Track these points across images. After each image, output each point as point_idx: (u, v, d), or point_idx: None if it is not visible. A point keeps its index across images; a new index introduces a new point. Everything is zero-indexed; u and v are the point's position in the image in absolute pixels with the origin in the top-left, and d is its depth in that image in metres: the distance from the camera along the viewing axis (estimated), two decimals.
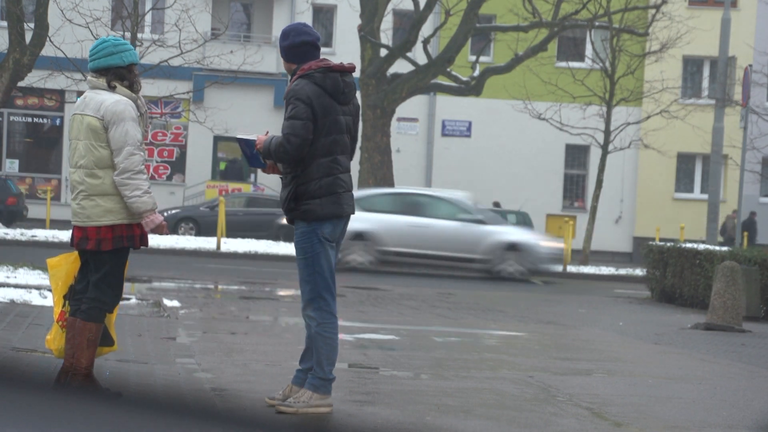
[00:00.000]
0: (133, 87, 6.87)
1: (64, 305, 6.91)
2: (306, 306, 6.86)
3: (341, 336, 11.22)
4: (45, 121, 36.98)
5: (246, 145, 7.01)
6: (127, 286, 14.81)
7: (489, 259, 24.05)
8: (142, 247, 6.94)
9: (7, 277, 14.57)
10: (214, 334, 11.02)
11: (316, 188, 6.77)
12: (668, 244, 20.06)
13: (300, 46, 6.90)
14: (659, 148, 34.72)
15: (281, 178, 6.99)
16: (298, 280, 7.03)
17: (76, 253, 6.94)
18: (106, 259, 6.75)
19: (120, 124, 6.70)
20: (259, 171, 35.36)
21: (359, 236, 23.24)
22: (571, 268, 28.34)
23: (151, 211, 6.76)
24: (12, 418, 1.43)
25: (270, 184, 34.81)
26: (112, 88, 6.79)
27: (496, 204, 36.28)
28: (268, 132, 7.05)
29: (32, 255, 17.79)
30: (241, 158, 37.22)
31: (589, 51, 35.51)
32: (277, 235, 30.07)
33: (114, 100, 6.74)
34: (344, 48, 35.32)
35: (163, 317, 12.01)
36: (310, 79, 6.81)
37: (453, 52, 29.60)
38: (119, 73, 6.82)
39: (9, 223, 30.40)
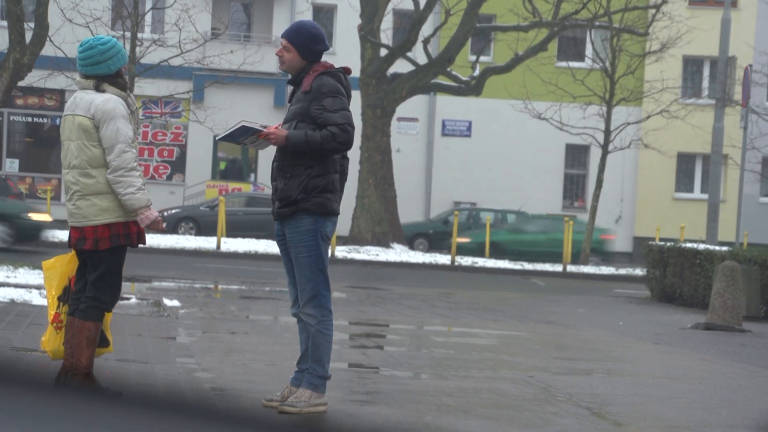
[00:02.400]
0: (123, 86, 6.87)
1: (58, 307, 6.91)
2: (305, 304, 6.86)
3: (341, 335, 11.24)
4: (45, 120, 36.99)
5: (243, 130, 6.97)
6: (126, 285, 14.83)
7: None
8: (140, 245, 6.94)
9: (7, 276, 14.57)
10: (214, 333, 11.02)
11: (328, 182, 6.86)
12: (668, 244, 20.06)
13: (323, 52, 7.03)
14: (659, 148, 34.72)
15: (279, 169, 6.94)
16: (290, 278, 7.03)
17: (71, 254, 6.94)
18: (103, 258, 6.75)
19: (111, 122, 6.70)
20: (259, 170, 35.20)
21: None
22: (571, 268, 28.35)
23: (145, 208, 6.76)
24: (12, 418, 1.43)
25: (270, 183, 34.76)
26: (101, 90, 6.79)
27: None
28: (279, 125, 7.03)
29: (32, 255, 17.78)
30: (241, 158, 37.27)
31: (589, 51, 35.50)
32: None
33: (104, 99, 6.74)
34: (344, 48, 35.31)
35: (163, 317, 12.01)
36: (335, 78, 6.91)
37: (453, 51, 29.60)
38: (107, 79, 6.81)
39: None
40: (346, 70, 7.08)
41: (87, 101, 6.76)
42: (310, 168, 6.82)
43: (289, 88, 7.18)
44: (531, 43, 31.07)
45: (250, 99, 36.10)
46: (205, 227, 30.80)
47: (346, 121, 6.83)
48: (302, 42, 6.93)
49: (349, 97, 7.00)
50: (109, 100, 6.73)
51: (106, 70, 6.79)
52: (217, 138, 7.28)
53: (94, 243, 6.72)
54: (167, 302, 13.43)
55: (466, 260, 28.28)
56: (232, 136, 7.01)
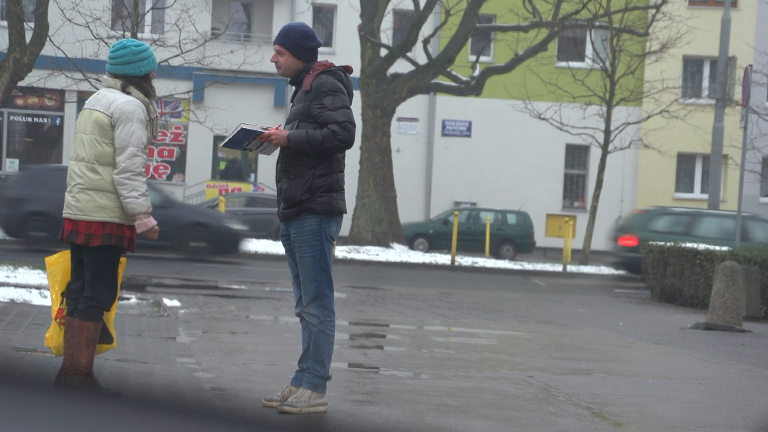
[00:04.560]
0: (147, 93, 6.89)
1: (61, 303, 6.93)
2: (308, 304, 6.86)
3: (341, 335, 11.23)
4: (45, 120, 36.99)
5: (244, 134, 6.97)
6: (126, 285, 14.82)
7: None
8: (129, 251, 6.93)
9: (7, 276, 14.56)
10: (214, 333, 11.02)
11: (333, 182, 6.85)
12: (668, 244, 20.06)
13: (317, 49, 7.03)
14: (659, 148, 34.73)
15: (283, 170, 6.94)
16: (294, 278, 7.03)
17: None
18: (96, 255, 6.76)
19: (127, 123, 6.73)
20: (259, 170, 35.17)
21: None
22: (571, 268, 28.34)
23: (145, 214, 6.78)
24: (12, 418, 1.43)
25: (270, 183, 34.80)
26: (126, 92, 6.82)
27: None
28: (280, 126, 7.02)
29: (32, 255, 17.78)
30: (241, 159, 37.26)
31: (589, 51, 35.51)
32: (277, 234, 30.07)
33: (125, 100, 6.77)
34: (344, 48, 35.32)
35: (163, 317, 12.01)
36: (335, 76, 6.90)
37: (453, 51, 29.60)
38: (135, 81, 6.84)
39: None
40: (348, 69, 7.07)
41: (109, 99, 6.80)
42: (314, 168, 6.82)
43: (291, 89, 7.19)
44: (531, 43, 31.07)
45: (250, 99, 36.11)
46: None
47: (347, 118, 6.82)
48: (293, 42, 6.93)
49: (350, 95, 6.99)
50: (130, 102, 6.76)
51: (135, 71, 6.82)
52: (221, 145, 7.30)
53: (85, 238, 6.73)
54: (167, 302, 13.43)
55: (466, 260, 28.27)
56: (234, 142, 7.01)
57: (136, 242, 6.94)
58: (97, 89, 7.27)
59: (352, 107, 7.01)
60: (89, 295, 6.75)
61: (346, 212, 7.02)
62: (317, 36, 7.11)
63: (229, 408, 6.97)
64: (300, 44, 6.93)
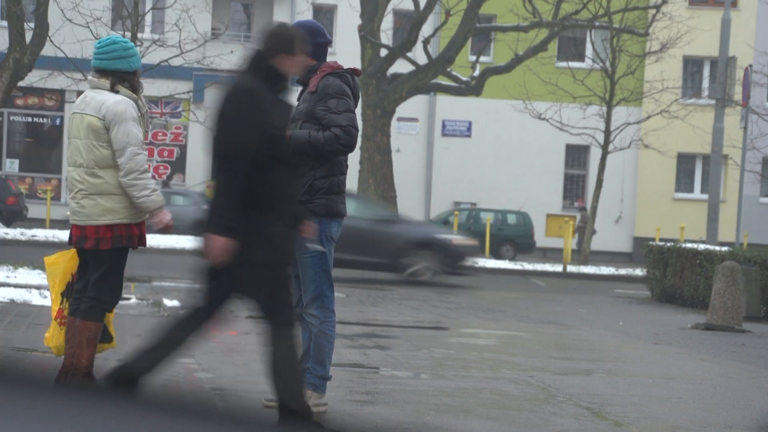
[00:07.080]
0: (135, 89, 6.88)
1: (61, 303, 6.93)
2: (308, 305, 6.86)
3: (341, 335, 11.23)
4: (45, 120, 36.99)
5: None
6: (127, 285, 14.81)
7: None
8: (140, 247, 6.95)
9: (7, 276, 14.57)
10: (214, 333, 11.01)
11: (333, 184, 6.85)
12: (668, 244, 20.06)
13: (326, 46, 7.04)
14: (659, 148, 34.73)
15: None
16: (294, 278, 7.02)
17: (73, 250, 6.95)
18: (105, 258, 6.75)
19: (122, 124, 6.71)
20: None
21: None
22: (571, 268, 28.34)
23: (160, 209, 6.80)
24: (12, 418, 1.43)
25: None
26: (114, 91, 6.80)
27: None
28: None
29: (32, 255, 17.78)
30: None
31: (589, 51, 35.51)
32: None
33: (115, 101, 6.75)
34: (344, 48, 35.32)
35: (163, 317, 12.00)
36: (342, 78, 6.89)
37: (453, 52, 29.59)
38: (123, 77, 6.82)
39: (9, 223, 30.40)
40: (355, 72, 7.06)
41: (98, 101, 6.77)
42: (315, 169, 6.82)
43: (298, 88, 7.17)
44: (531, 43, 31.05)
45: None
46: None
47: (350, 123, 6.81)
48: (314, 44, 6.92)
49: (356, 99, 6.98)
50: (120, 102, 6.74)
51: (126, 66, 6.81)
52: None
53: (95, 243, 6.73)
54: (167, 302, 13.42)
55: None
56: None
57: (146, 237, 6.96)
58: None
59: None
60: (93, 295, 6.75)
61: (346, 215, 7.01)
62: (326, 33, 7.10)
63: (229, 408, 6.97)
64: (319, 42, 6.93)
